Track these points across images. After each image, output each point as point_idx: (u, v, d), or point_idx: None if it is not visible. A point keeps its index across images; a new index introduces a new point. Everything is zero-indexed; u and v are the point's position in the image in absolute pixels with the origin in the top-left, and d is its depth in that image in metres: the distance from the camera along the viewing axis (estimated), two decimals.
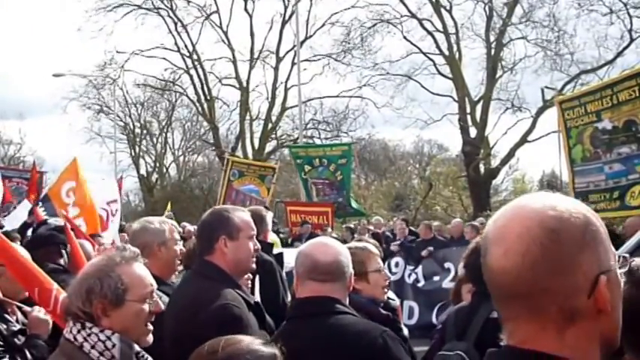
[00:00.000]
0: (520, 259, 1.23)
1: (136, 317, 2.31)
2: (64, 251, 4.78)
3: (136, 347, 2.32)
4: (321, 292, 2.69)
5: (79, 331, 2.25)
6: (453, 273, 5.22)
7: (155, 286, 2.43)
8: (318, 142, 37.52)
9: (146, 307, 2.34)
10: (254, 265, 3.25)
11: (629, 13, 26.85)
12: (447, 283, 5.38)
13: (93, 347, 2.22)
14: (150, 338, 2.38)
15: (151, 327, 2.38)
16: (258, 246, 3.29)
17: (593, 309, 1.22)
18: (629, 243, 5.39)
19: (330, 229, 14.26)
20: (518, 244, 1.24)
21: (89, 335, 2.24)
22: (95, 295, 2.25)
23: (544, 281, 1.22)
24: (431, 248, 10.64)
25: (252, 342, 1.96)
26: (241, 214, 3.21)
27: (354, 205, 19.66)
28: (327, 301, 2.66)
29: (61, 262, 4.67)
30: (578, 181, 10.22)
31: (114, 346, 2.23)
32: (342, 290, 2.74)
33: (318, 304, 2.68)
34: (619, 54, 27.29)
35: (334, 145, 24.12)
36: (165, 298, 3.37)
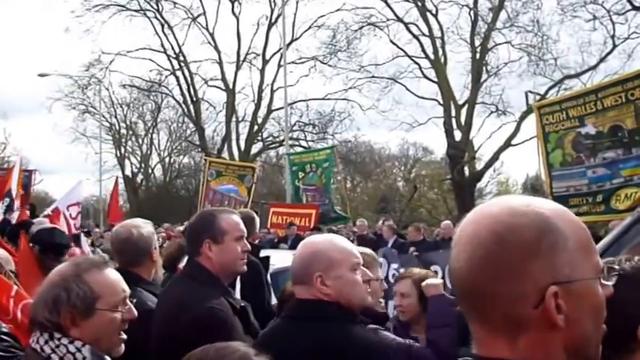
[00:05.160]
0: (467, 262, 1.23)
1: (107, 326, 2.19)
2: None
3: (108, 359, 2.20)
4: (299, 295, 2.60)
5: (46, 342, 2.12)
6: (440, 275, 5.28)
7: (128, 291, 2.30)
8: (304, 144, 37.64)
9: (118, 315, 2.21)
10: (244, 267, 3.20)
11: (611, 20, 27.16)
12: None
13: (61, 359, 2.10)
14: (122, 349, 2.25)
15: (124, 336, 2.25)
16: (248, 247, 3.23)
17: (543, 320, 1.17)
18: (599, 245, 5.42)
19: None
20: (467, 246, 1.24)
21: (57, 347, 2.10)
22: (63, 305, 2.12)
23: (486, 285, 1.20)
24: (415, 252, 10.67)
25: (246, 353, 1.91)
26: (228, 217, 3.17)
27: (337, 210, 19.69)
28: (325, 304, 2.53)
29: None
30: (557, 185, 10.29)
31: (84, 358, 2.10)
32: (309, 291, 2.56)
33: (315, 308, 2.55)
34: (602, 59, 27.58)
35: (322, 149, 24.21)
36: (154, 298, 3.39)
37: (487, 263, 1.20)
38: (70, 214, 9.99)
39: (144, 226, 3.86)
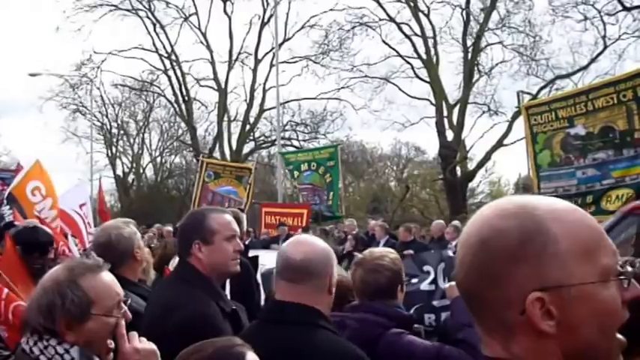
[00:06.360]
0: (460, 266, 1.23)
1: (102, 331, 2.19)
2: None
3: None
4: (288, 294, 2.53)
5: (35, 343, 2.12)
6: (432, 275, 5.26)
7: (122, 294, 2.30)
8: (296, 143, 37.68)
9: (113, 320, 2.21)
10: (237, 268, 3.12)
11: (602, 20, 27.21)
12: (425, 286, 5.40)
13: None
14: (110, 357, 2.24)
15: (112, 345, 2.23)
16: (241, 247, 3.17)
17: (530, 327, 1.14)
18: None
19: (309, 231, 14.23)
20: (460, 250, 1.24)
21: (46, 347, 2.11)
22: (57, 311, 2.12)
23: (475, 290, 1.20)
24: (411, 251, 10.67)
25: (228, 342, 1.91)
26: (218, 216, 3.10)
27: (334, 209, 19.67)
28: (293, 307, 2.50)
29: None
30: (545, 186, 10.30)
31: (72, 359, 2.11)
32: (312, 294, 2.53)
33: (283, 311, 2.51)
34: (593, 60, 27.63)
35: (322, 148, 24.14)
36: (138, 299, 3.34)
37: (473, 268, 1.20)
38: (84, 213, 9.91)
39: (124, 226, 3.82)
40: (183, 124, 41.19)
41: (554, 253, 1.14)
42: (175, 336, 2.03)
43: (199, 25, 37.28)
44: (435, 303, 5.17)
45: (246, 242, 7.47)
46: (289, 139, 38.16)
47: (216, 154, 37.00)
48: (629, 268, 1.21)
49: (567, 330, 1.14)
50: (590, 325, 1.14)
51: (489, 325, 1.20)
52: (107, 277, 2.27)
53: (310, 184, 19.51)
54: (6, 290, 3.67)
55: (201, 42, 37.41)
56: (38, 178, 8.64)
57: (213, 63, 37.52)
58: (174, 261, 4.06)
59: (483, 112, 30.80)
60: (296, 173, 19.88)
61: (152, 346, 2.22)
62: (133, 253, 3.73)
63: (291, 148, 34.44)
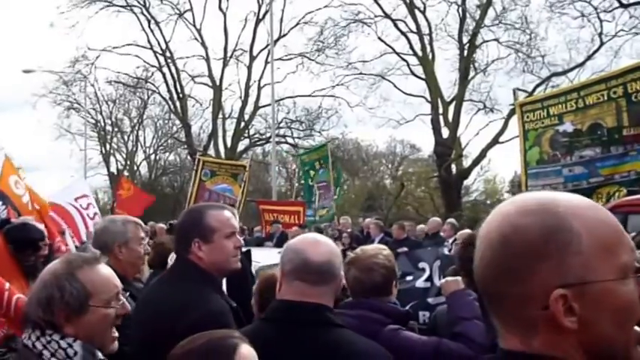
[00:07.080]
0: (479, 262, 1.25)
1: (101, 323, 2.19)
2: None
3: (99, 355, 2.20)
4: (307, 295, 2.42)
5: (38, 338, 2.13)
6: (427, 273, 5.24)
7: (121, 286, 2.30)
8: (290, 141, 37.68)
9: (112, 311, 2.21)
10: (238, 264, 3.06)
11: (599, 17, 27.19)
12: (421, 283, 5.39)
13: (53, 355, 2.10)
14: (115, 345, 2.26)
15: (116, 334, 2.25)
16: (241, 243, 3.11)
17: (552, 322, 1.15)
18: None
19: (306, 229, 14.25)
20: (480, 246, 1.25)
21: (49, 342, 2.11)
22: (56, 304, 2.12)
23: (495, 286, 1.21)
24: (405, 249, 10.65)
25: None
26: (217, 213, 3.04)
27: (337, 203, 19.78)
28: (320, 309, 2.42)
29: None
30: (532, 183, 10.28)
31: (75, 353, 2.10)
32: (330, 295, 2.49)
33: (310, 312, 2.42)
34: (589, 57, 27.62)
35: (322, 146, 24.24)
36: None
37: (494, 265, 1.21)
38: (81, 205, 9.85)
39: (117, 221, 3.82)
40: (177, 122, 41.13)
41: (577, 249, 1.15)
42: (189, 335, 1.98)
43: (194, 21, 37.24)
44: (430, 300, 5.15)
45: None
46: (284, 136, 38.13)
47: (211, 151, 36.90)
48: None
49: (588, 325, 1.15)
50: (609, 320, 1.16)
51: (508, 320, 1.21)
52: (104, 269, 2.28)
53: (324, 181, 19.62)
54: (7, 284, 3.68)
55: (196, 39, 37.37)
56: (14, 172, 8.60)
57: (208, 60, 37.48)
58: (172, 257, 4.00)
59: (479, 110, 30.85)
60: (312, 172, 19.96)
61: None
62: (112, 249, 3.69)
63: (286, 146, 34.42)
